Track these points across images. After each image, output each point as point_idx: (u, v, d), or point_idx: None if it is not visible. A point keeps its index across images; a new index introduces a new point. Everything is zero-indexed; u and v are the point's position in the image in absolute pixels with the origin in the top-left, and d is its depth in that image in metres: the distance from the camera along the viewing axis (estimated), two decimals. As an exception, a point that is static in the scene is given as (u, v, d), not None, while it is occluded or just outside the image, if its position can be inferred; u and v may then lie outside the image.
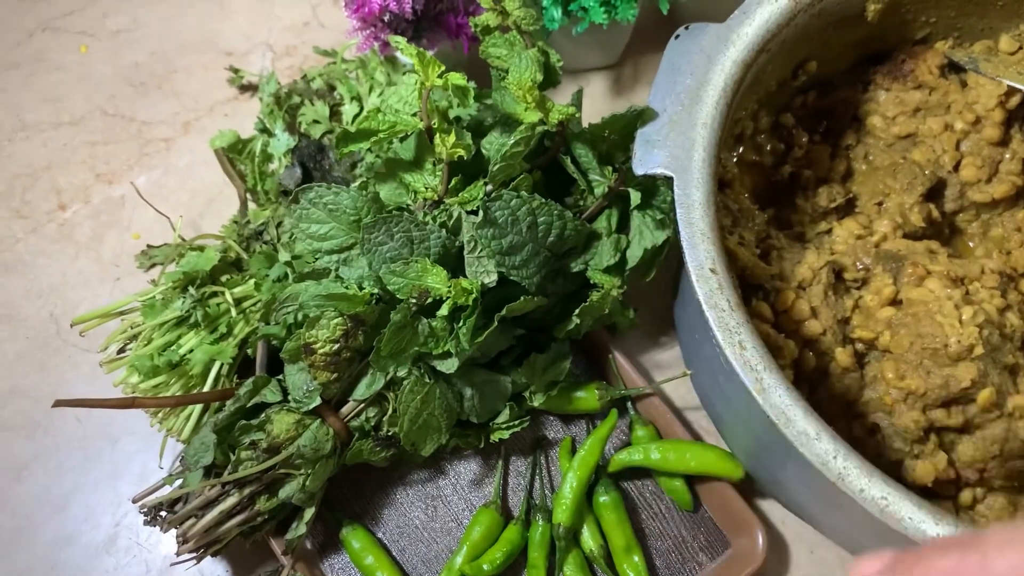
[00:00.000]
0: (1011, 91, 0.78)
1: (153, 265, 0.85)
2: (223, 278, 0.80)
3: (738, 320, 0.58)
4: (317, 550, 0.79)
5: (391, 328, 0.66)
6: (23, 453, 0.85)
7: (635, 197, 0.71)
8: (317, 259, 0.71)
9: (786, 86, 0.81)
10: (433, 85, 0.67)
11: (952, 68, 0.82)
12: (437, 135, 0.68)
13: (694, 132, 0.65)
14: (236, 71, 1.01)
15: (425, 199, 0.71)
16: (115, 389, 0.76)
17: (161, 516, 0.71)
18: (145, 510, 0.71)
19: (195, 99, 1.03)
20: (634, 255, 0.72)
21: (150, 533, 0.82)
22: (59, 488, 0.84)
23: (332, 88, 0.91)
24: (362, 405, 0.72)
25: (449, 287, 0.66)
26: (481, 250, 0.67)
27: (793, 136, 0.83)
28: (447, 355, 0.69)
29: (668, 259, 0.75)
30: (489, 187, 0.69)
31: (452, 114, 0.75)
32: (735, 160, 0.80)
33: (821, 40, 0.77)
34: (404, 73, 0.85)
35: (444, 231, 0.68)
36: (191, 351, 0.75)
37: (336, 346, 0.67)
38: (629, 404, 0.81)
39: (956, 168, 0.80)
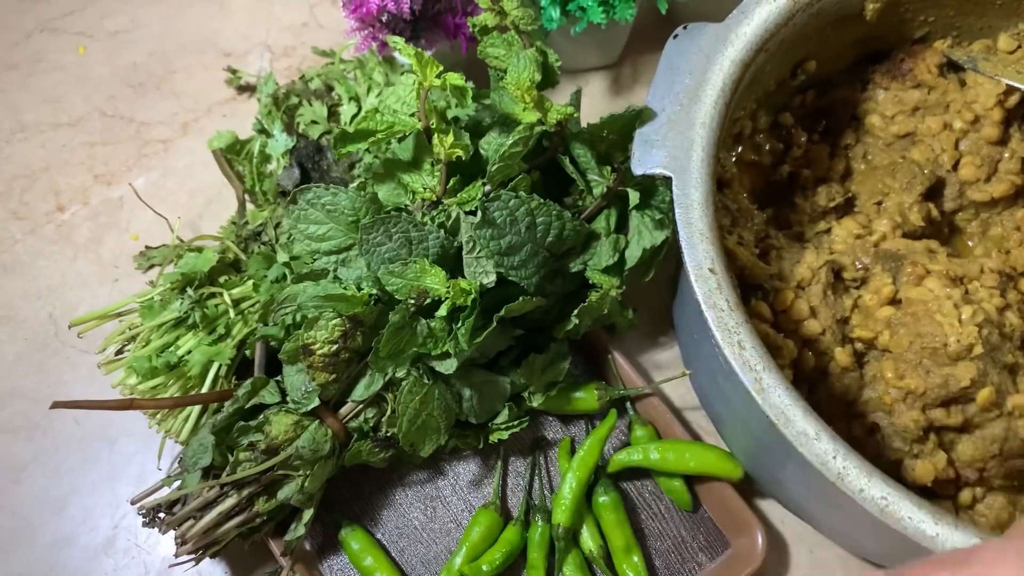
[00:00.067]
0: (1010, 90, 0.78)
1: (152, 266, 0.85)
2: (221, 279, 0.80)
3: (737, 320, 0.58)
4: (316, 551, 0.79)
5: (390, 329, 0.66)
6: (22, 454, 0.85)
7: (634, 197, 0.71)
8: (315, 260, 0.71)
9: (785, 85, 0.81)
10: (431, 85, 0.67)
11: (951, 67, 0.82)
12: (435, 135, 0.68)
13: (693, 132, 0.65)
14: (234, 72, 1.01)
15: (423, 199, 0.71)
16: (113, 390, 0.76)
17: (159, 517, 0.71)
18: (143, 511, 0.70)
19: (194, 100, 1.03)
20: (633, 255, 0.72)
21: (148, 535, 0.82)
22: (58, 489, 0.84)
23: (330, 88, 0.91)
24: (361, 406, 0.72)
25: (448, 288, 0.66)
26: (480, 250, 0.67)
27: (792, 135, 0.82)
28: (446, 356, 0.69)
29: (667, 259, 0.75)
30: (487, 187, 0.69)
31: (450, 114, 0.75)
32: (734, 160, 0.80)
33: (820, 39, 0.77)
34: (402, 73, 0.85)
35: (442, 231, 0.68)
36: (189, 352, 0.75)
37: (334, 347, 0.67)
38: (628, 404, 0.81)
39: (955, 167, 0.80)
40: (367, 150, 0.79)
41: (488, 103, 0.75)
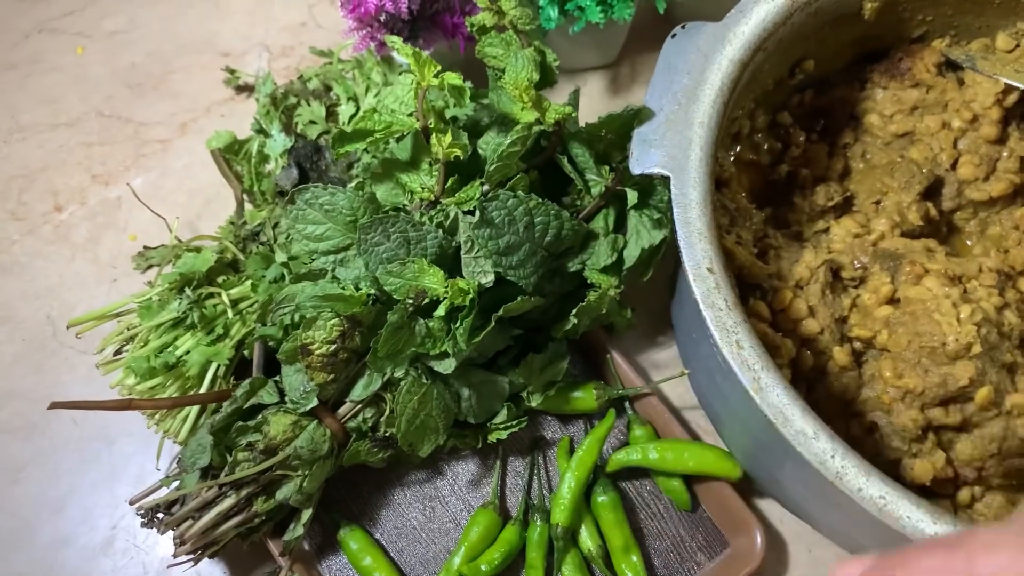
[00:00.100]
0: (1008, 89, 0.78)
1: (150, 266, 0.85)
2: (220, 279, 0.80)
3: (735, 319, 0.58)
4: (315, 551, 0.79)
5: (388, 329, 0.66)
6: (20, 455, 0.85)
7: (632, 197, 0.71)
8: (313, 260, 0.71)
9: (783, 85, 0.81)
10: (429, 85, 0.67)
11: (949, 66, 0.82)
12: (433, 135, 0.68)
13: (691, 131, 0.65)
14: (232, 72, 1.01)
15: (421, 199, 0.71)
16: (112, 391, 0.76)
17: (158, 518, 0.70)
18: (142, 512, 0.70)
19: (192, 100, 1.03)
20: (631, 255, 0.72)
21: (147, 535, 0.82)
22: (56, 490, 0.84)
23: (328, 88, 0.91)
24: (359, 406, 0.72)
25: (446, 287, 0.66)
26: (478, 250, 0.67)
27: (790, 135, 0.82)
28: (444, 356, 0.69)
29: (665, 258, 0.75)
30: (486, 187, 0.69)
31: (448, 114, 0.75)
32: (732, 159, 0.80)
33: (818, 39, 0.77)
34: (400, 73, 0.85)
35: (441, 231, 0.68)
36: (188, 352, 0.75)
37: (333, 347, 0.67)
38: (627, 404, 0.81)
39: (954, 166, 0.80)
40: (365, 150, 0.79)
41: (486, 103, 0.75)
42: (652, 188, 0.72)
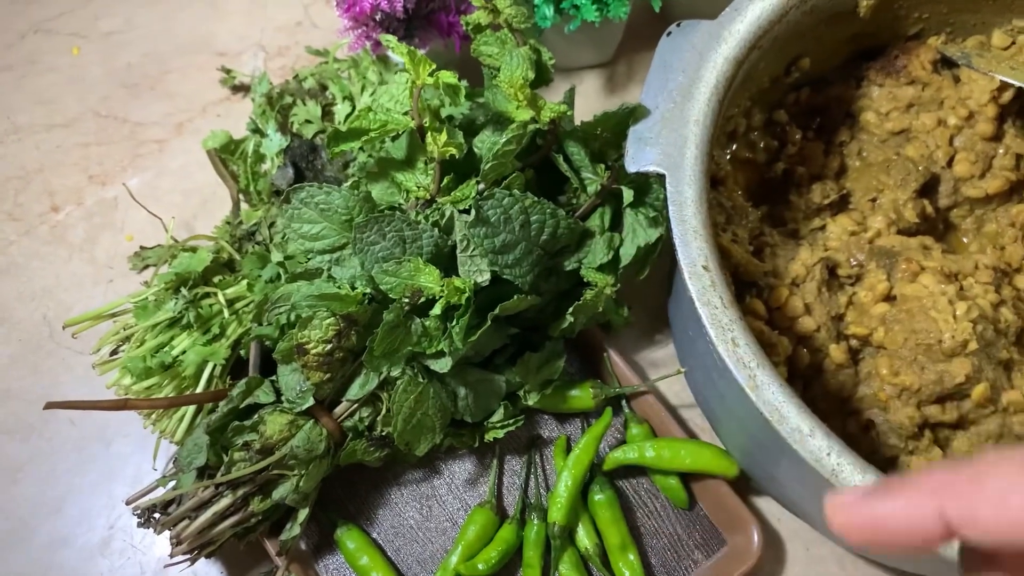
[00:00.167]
0: (1004, 86, 0.78)
1: (146, 266, 0.85)
2: (216, 279, 0.80)
3: (731, 317, 0.58)
4: (312, 551, 0.79)
5: (384, 328, 0.66)
6: (17, 456, 0.85)
7: (628, 195, 0.71)
8: (309, 259, 0.71)
9: (779, 83, 0.81)
10: (424, 84, 0.67)
11: (945, 63, 0.82)
12: (429, 134, 0.68)
13: (686, 129, 0.65)
14: (228, 72, 1.01)
15: (417, 198, 0.71)
16: (108, 391, 0.76)
17: (154, 518, 0.70)
18: (139, 512, 0.70)
19: (188, 100, 1.03)
20: (627, 253, 0.72)
21: (144, 535, 0.82)
22: (53, 490, 0.84)
23: (324, 88, 0.91)
24: (355, 405, 0.72)
25: (442, 286, 0.66)
26: (474, 249, 0.67)
27: (786, 133, 0.82)
28: (440, 354, 0.69)
29: (662, 257, 0.75)
30: (481, 186, 0.69)
31: (444, 113, 0.75)
32: (728, 157, 0.80)
33: (814, 36, 0.77)
34: (396, 72, 0.85)
35: (436, 230, 0.68)
36: (184, 352, 0.75)
37: (329, 346, 0.67)
38: (624, 402, 0.81)
39: (950, 164, 0.80)
40: (361, 149, 0.79)
41: (482, 101, 0.75)
42: (648, 186, 0.72)
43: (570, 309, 0.71)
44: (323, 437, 0.70)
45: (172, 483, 0.71)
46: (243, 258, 0.80)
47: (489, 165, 0.68)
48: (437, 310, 0.67)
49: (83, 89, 1.04)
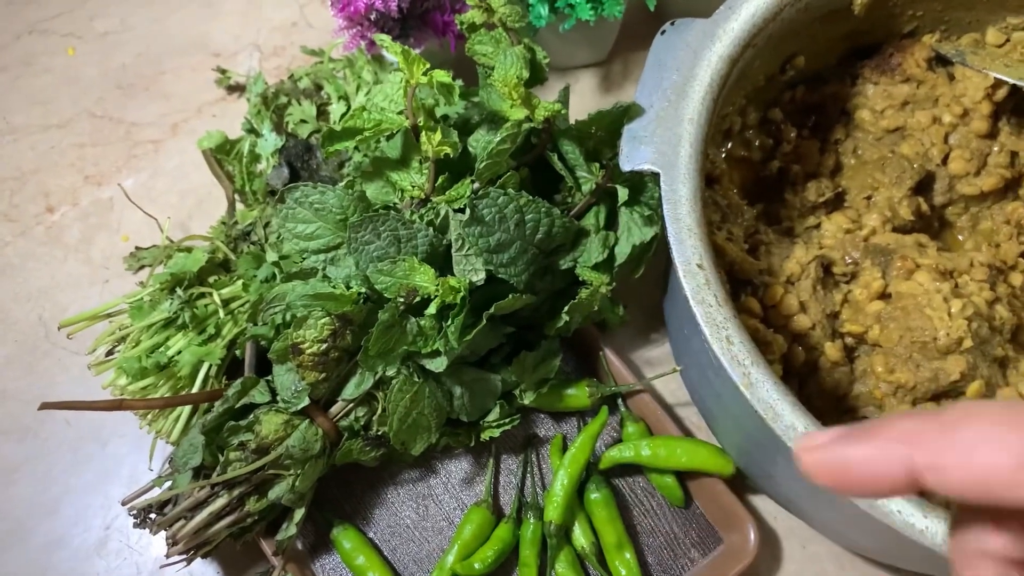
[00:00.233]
0: (998, 83, 0.78)
1: (142, 267, 0.85)
2: (211, 279, 0.80)
3: (725, 315, 0.58)
4: (308, 551, 0.79)
5: (379, 327, 0.65)
6: (13, 456, 0.85)
7: (622, 194, 0.71)
8: (304, 259, 0.71)
9: (774, 81, 0.81)
10: (418, 83, 0.67)
11: (939, 61, 0.82)
12: (423, 133, 0.68)
13: (680, 128, 0.65)
14: (224, 72, 1.01)
15: (412, 197, 0.71)
16: (104, 391, 0.76)
17: (151, 518, 0.70)
18: (135, 512, 0.70)
19: (183, 100, 1.03)
20: (622, 252, 0.72)
21: (140, 535, 0.82)
22: (49, 491, 0.84)
23: (319, 88, 0.91)
24: (351, 405, 0.72)
25: (437, 286, 0.66)
26: (469, 248, 0.67)
27: (782, 131, 0.82)
28: (436, 354, 0.69)
29: (657, 255, 0.75)
30: (476, 185, 0.69)
31: (439, 112, 0.75)
32: (723, 155, 0.80)
33: (808, 34, 0.77)
34: (391, 71, 0.85)
35: (431, 229, 0.68)
36: (179, 352, 0.75)
37: (324, 346, 0.67)
38: (620, 401, 0.81)
39: (944, 161, 0.80)
40: (356, 148, 0.79)
41: (477, 100, 0.75)
42: (643, 185, 0.72)
43: (566, 308, 0.71)
44: (319, 437, 0.70)
45: (168, 483, 0.71)
46: (238, 258, 0.80)
47: (484, 164, 0.67)
48: (432, 309, 0.67)
49: (78, 90, 1.04)
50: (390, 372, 0.70)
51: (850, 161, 0.82)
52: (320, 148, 0.84)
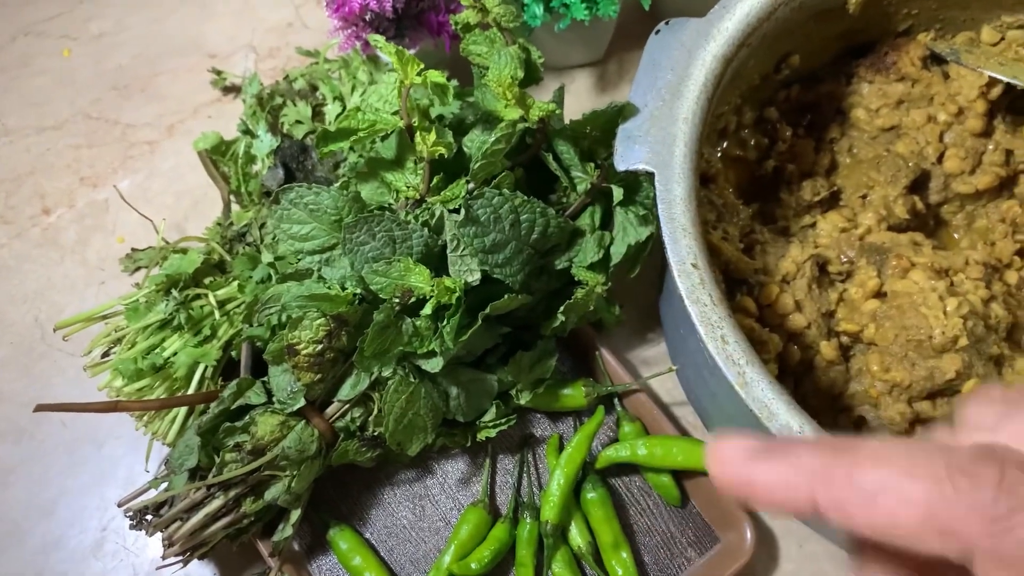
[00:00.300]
0: (992, 82, 0.78)
1: (138, 268, 0.85)
2: (206, 280, 0.80)
3: (720, 315, 0.58)
4: (304, 551, 0.79)
5: (374, 328, 0.65)
6: (9, 458, 0.85)
7: (618, 193, 0.71)
8: (299, 260, 0.71)
9: (769, 80, 0.81)
10: (412, 83, 0.67)
11: (934, 60, 0.82)
12: (417, 133, 0.68)
13: (675, 127, 0.65)
14: (219, 73, 1.01)
15: (407, 198, 0.71)
16: (100, 393, 0.76)
17: (147, 520, 0.70)
18: (131, 514, 0.70)
19: (179, 102, 1.02)
20: (618, 251, 0.72)
21: (137, 537, 0.82)
22: (46, 493, 0.84)
23: (315, 88, 0.91)
24: (347, 406, 0.72)
25: (432, 286, 0.66)
26: (464, 248, 0.67)
27: (777, 130, 0.82)
28: (431, 354, 0.69)
29: (653, 255, 0.75)
30: (471, 185, 0.69)
31: (434, 112, 0.75)
32: (719, 155, 0.80)
33: (803, 33, 0.77)
34: (386, 72, 0.85)
35: (426, 230, 0.68)
36: (175, 354, 0.75)
37: (319, 347, 0.67)
38: (616, 400, 0.81)
39: (940, 160, 0.80)
40: (351, 149, 0.79)
41: (472, 100, 0.75)
42: (638, 184, 0.72)
43: (561, 308, 0.71)
44: (315, 438, 0.70)
45: (164, 485, 0.71)
46: (234, 259, 0.80)
47: (478, 164, 0.67)
48: (428, 310, 0.67)
49: (74, 91, 1.04)
50: (386, 373, 0.70)
51: (845, 160, 0.82)
52: (315, 149, 0.84)
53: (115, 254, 0.92)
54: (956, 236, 0.81)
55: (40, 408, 0.67)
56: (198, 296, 0.78)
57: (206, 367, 0.76)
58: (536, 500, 0.78)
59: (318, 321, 0.67)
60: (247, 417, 0.69)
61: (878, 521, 0.29)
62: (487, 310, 0.67)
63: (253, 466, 0.68)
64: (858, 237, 0.75)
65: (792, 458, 0.32)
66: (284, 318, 0.71)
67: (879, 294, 0.72)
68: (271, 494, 0.70)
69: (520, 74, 0.68)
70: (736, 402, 0.57)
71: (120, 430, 0.85)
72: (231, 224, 0.84)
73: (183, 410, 0.76)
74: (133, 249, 0.86)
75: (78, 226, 0.96)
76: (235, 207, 0.88)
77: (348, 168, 0.78)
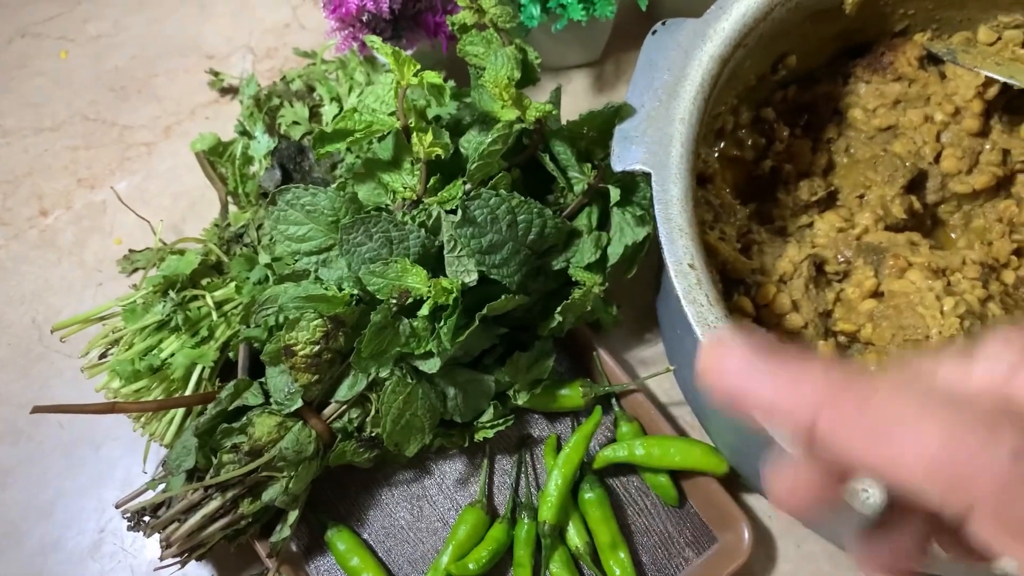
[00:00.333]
0: (989, 81, 0.78)
1: (135, 270, 0.85)
2: (204, 281, 0.79)
3: (716, 314, 0.58)
4: (302, 552, 0.78)
5: (371, 329, 0.66)
6: (7, 460, 0.85)
7: (614, 194, 0.71)
8: (296, 261, 0.71)
9: (766, 80, 0.81)
10: (409, 84, 0.67)
11: (931, 60, 0.82)
12: (414, 134, 0.68)
13: (671, 128, 0.65)
14: (217, 74, 1.01)
15: (404, 199, 0.71)
16: (98, 394, 0.76)
17: (144, 521, 0.70)
18: (128, 515, 0.70)
19: (176, 103, 1.02)
20: (615, 252, 0.72)
21: (135, 538, 0.82)
22: (44, 494, 0.84)
23: (312, 89, 0.91)
24: (344, 406, 0.72)
25: (429, 287, 0.66)
26: (461, 249, 0.67)
27: (774, 130, 0.82)
28: (429, 355, 0.69)
29: (650, 255, 0.75)
30: (468, 186, 0.69)
31: (431, 113, 0.75)
32: (716, 155, 0.80)
33: (799, 34, 0.77)
34: (384, 73, 0.85)
35: (423, 231, 0.68)
36: (172, 355, 0.75)
37: (316, 348, 0.67)
38: (613, 401, 0.81)
39: (937, 159, 0.80)
40: (349, 150, 0.79)
41: (469, 101, 0.75)
42: (635, 185, 0.72)
43: (559, 308, 0.71)
44: (312, 439, 0.70)
45: (162, 486, 0.71)
46: (231, 260, 0.80)
47: (475, 165, 0.68)
48: (425, 311, 0.67)
49: (71, 92, 1.04)
50: (383, 374, 0.70)
51: (842, 160, 0.82)
52: (312, 150, 0.84)
53: (112, 255, 0.92)
54: (953, 236, 0.81)
55: (37, 410, 0.67)
56: (195, 297, 0.78)
57: (203, 368, 0.76)
58: (534, 500, 0.78)
59: (315, 322, 0.67)
60: (244, 418, 0.69)
61: (882, 457, 0.28)
62: (484, 311, 0.67)
63: (250, 467, 0.68)
64: (855, 237, 0.75)
65: (799, 374, 0.30)
66: (281, 319, 0.71)
67: (876, 294, 0.72)
68: (269, 495, 0.70)
69: (517, 75, 0.68)
70: (733, 402, 0.57)
71: (118, 431, 0.85)
72: (228, 225, 0.84)
73: (180, 411, 0.76)
74: (131, 250, 0.86)
75: (75, 227, 0.96)
76: (232, 208, 0.88)
77: (345, 169, 0.78)
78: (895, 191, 0.78)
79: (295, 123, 0.88)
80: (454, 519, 0.79)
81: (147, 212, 0.90)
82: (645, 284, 0.83)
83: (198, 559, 0.71)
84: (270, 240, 0.79)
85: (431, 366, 0.69)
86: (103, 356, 0.78)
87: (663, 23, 0.70)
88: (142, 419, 0.76)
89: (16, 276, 0.94)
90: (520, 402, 0.77)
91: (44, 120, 1.02)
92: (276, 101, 0.90)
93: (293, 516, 0.72)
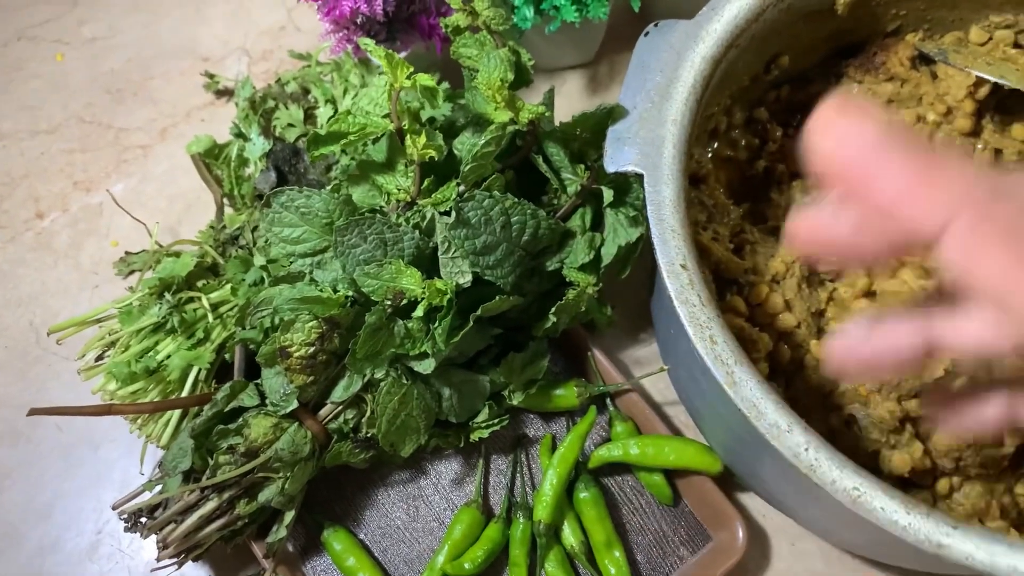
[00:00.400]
0: (980, 82, 0.78)
1: (131, 272, 0.85)
2: (200, 283, 0.80)
3: (708, 315, 0.59)
4: (299, 552, 0.79)
5: (366, 330, 0.66)
6: (5, 462, 0.85)
7: (608, 195, 0.71)
8: (291, 263, 0.71)
9: (759, 81, 0.82)
10: (402, 86, 0.67)
11: (923, 60, 0.82)
12: (408, 136, 0.68)
13: (664, 129, 0.65)
14: (212, 76, 1.01)
15: (398, 201, 0.71)
16: (94, 396, 0.76)
17: (141, 522, 0.71)
18: (125, 516, 0.71)
19: (172, 105, 1.03)
20: (608, 252, 0.72)
21: (132, 539, 0.82)
22: (42, 496, 0.84)
23: (307, 91, 0.91)
24: (340, 407, 0.72)
25: (424, 288, 0.66)
26: (455, 251, 0.68)
27: (767, 130, 0.83)
28: (424, 356, 0.69)
29: (644, 256, 0.75)
30: (461, 187, 0.69)
31: (425, 115, 0.75)
32: (709, 155, 0.80)
33: (792, 34, 0.78)
34: (378, 75, 0.85)
35: (417, 232, 0.68)
36: (168, 357, 0.75)
37: (311, 349, 0.67)
38: (608, 400, 0.81)
39: (929, 159, 0.80)
40: (343, 152, 0.79)
41: (463, 103, 0.75)
42: (628, 186, 0.73)
43: (553, 309, 0.72)
44: (308, 439, 0.70)
45: (159, 487, 0.72)
46: (227, 262, 0.80)
47: (469, 167, 0.68)
48: (419, 312, 0.67)
49: (67, 95, 1.04)
50: (378, 374, 0.70)
51: (836, 159, 0.83)
52: (307, 152, 0.84)
53: (109, 258, 0.92)
54: (945, 235, 0.81)
55: (34, 412, 0.67)
56: (191, 299, 0.78)
57: (199, 370, 0.77)
58: (529, 500, 0.78)
59: (310, 323, 0.67)
60: (240, 419, 0.70)
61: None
62: (479, 312, 0.67)
63: (247, 468, 0.68)
64: (848, 236, 0.75)
65: (941, 168, 0.30)
66: (276, 321, 0.71)
67: (868, 293, 0.72)
68: (265, 496, 0.70)
69: (510, 76, 0.68)
70: (725, 401, 0.57)
71: (115, 433, 0.85)
72: (224, 227, 0.84)
73: (177, 413, 0.77)
74: (127, 253, 0.86)
75: (72, 230, 0.96)
76: (228, 210, 0.88)
77: (339, 171, 0.78)
78: (888, 191, 0.78)
79: (290, 125, 0.88)
80: (450, 519, 0.79)
81: (143, 214, 0.91)
82: (639, 284, 0.83)
83: (195, 560, 0.71)
84: (265, 242, 0.80)
85: (426, 367, 0.69)
86: (100, 358, 0.78)
87: (655, 25, 0.70)
88: (139, 421, 0.77)
89: (13, 279, 0.94)
90: (515, 402, 0.77)
91: (40, 123, 1.02)
92: (271, 103, 0.90)
93: (289, 516, 0.72)
